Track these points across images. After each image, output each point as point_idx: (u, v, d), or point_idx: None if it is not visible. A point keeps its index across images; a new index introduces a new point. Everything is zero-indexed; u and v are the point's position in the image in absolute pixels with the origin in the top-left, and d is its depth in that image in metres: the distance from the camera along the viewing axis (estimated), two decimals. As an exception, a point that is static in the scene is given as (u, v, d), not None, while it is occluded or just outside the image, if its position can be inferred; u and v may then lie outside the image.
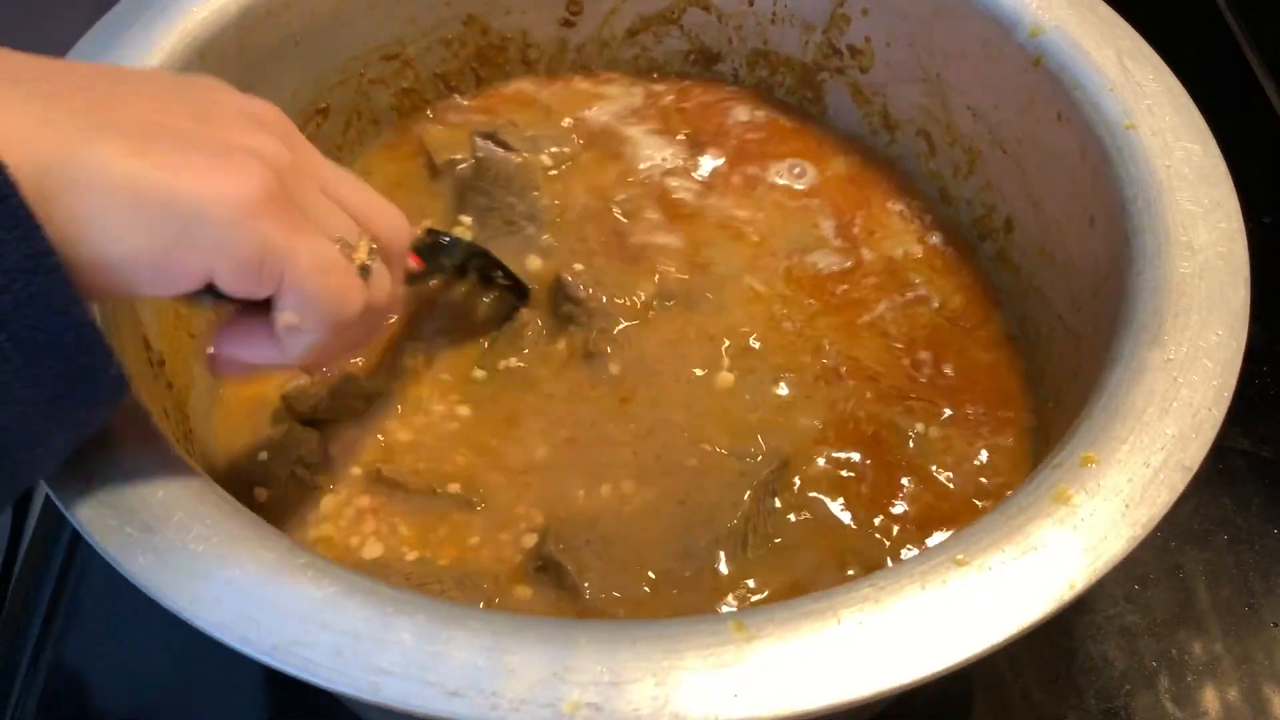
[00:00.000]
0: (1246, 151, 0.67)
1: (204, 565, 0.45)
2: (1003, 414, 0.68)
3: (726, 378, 0.68)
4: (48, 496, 0.47)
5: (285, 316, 0.47)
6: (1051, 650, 0.71)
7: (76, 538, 0.72)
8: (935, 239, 0.77)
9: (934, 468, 0.66)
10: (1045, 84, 0.67)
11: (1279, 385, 0.85)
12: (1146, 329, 0.54)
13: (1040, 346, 0.70)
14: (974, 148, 0.75)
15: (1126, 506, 0.48)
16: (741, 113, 0.85)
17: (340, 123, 0.80)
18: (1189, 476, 0.49)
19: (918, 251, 0.76)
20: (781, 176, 0.80)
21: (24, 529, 0.75)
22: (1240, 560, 0.75)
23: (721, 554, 0.61)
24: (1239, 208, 0.59)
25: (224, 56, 0.68)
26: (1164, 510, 0.48)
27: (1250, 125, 0.99)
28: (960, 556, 0.46)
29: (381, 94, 0.81)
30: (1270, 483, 0.79)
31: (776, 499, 0.64)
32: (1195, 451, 0.50)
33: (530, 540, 0.62)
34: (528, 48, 0.85)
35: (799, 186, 0.80)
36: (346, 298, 0.48)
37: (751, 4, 0.82)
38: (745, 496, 0.62)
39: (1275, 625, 0.73)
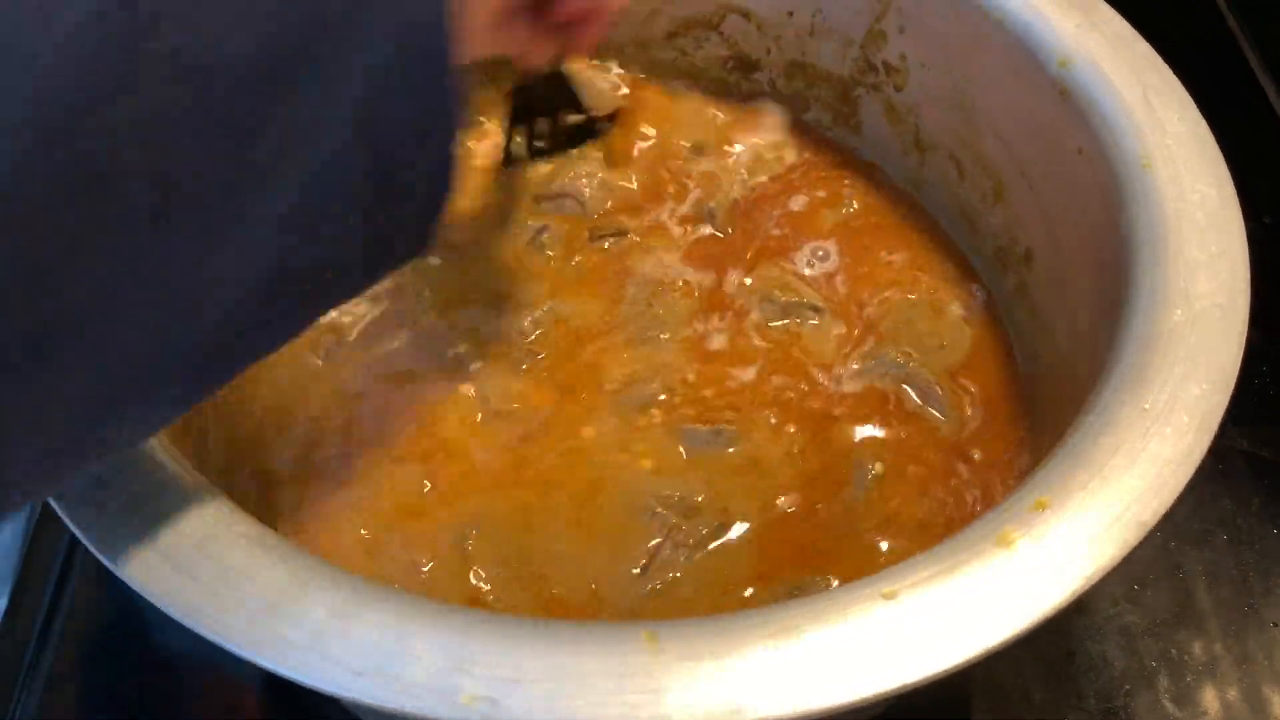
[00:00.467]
0: (1247, 152, 0.63)
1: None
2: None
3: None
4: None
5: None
6: (1051, 650, 0.68)
7: (71, 550, 0.71)
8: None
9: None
10: (1070, 116, 0.62)
11: (1279, 385, 0.80)
12: (1127, 376, 0.50)
13: (1044, 386, 0.66)
14: (1001, 177, 0.70)
15: (1067, 560, 0.44)
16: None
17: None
18: (1144, 532, 0.45)
19: None
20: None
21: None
22: (1240, 560, 0.72)
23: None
24: (1246, 256, 0.54)
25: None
26: (1109, 566, 0.44)
27: (1250, 125, 0.93)
28: (888, 590, 0.43)
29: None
30: (1270, 483, 0.75)
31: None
32: (1155, 508, 0.46)
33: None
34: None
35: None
36: None
37: (791, 15, 0.78)
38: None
39: (1275, 625, 0.69)
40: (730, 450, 0.65)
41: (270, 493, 0.63)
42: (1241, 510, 0.74)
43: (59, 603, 0.69)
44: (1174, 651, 0.68)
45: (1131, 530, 0.45)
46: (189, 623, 0.41)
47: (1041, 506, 0.46)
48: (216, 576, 0.43)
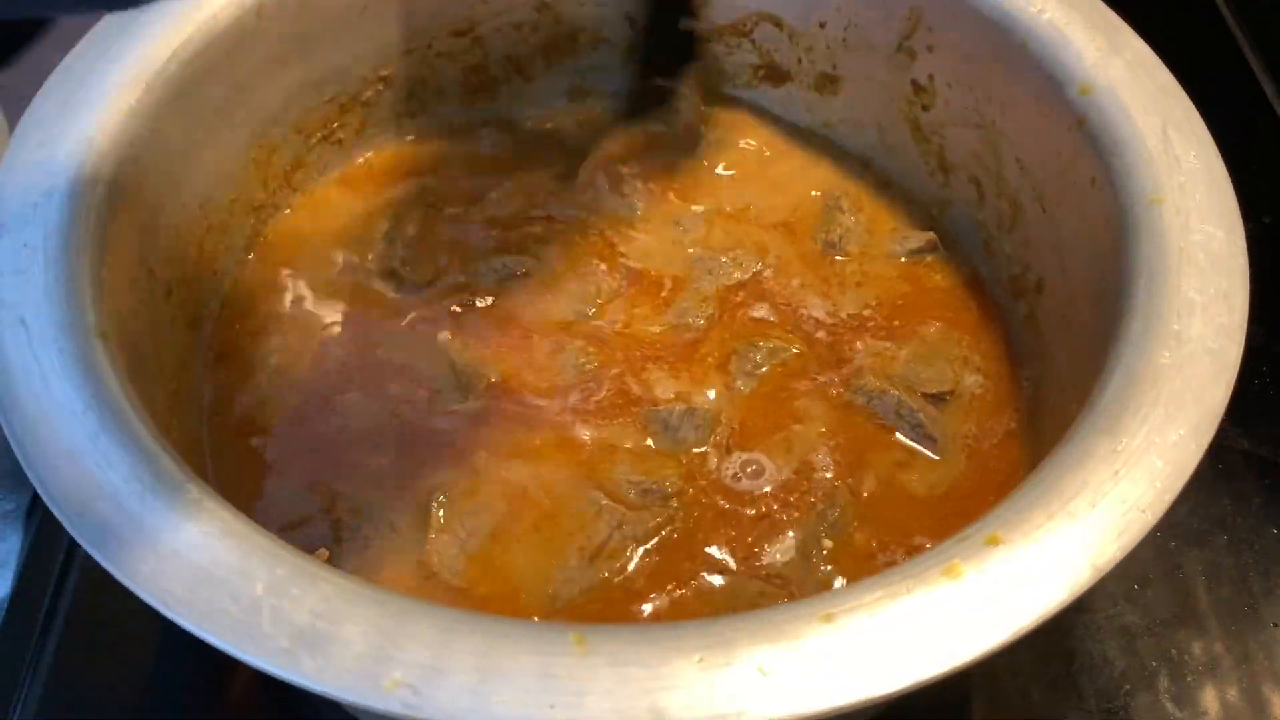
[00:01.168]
0: (1247, 152, 0.58)
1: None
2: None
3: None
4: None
5: None
6: (1051, 650, 0.64)
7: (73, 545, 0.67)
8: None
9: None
10: (1086, 145, 0.56)
11: (1279, 385, 0.74)
12: (1106, 414, 0.45)
13: (1044, 415, 0.60)
14: (1018, 201, 0.63)
15: (1013, 598, 0.39)
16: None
17: (402, 93, 0.72)
18: (1099, 576, 0.40)
19: None
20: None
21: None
22: (1240, 560, 0.67)
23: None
24: (1246, 301, 0.49)
25: (282, 10, 0.62)
26: (1056, 608, 0.39)
27: (1250, 125, 0.86)
28: (827, 612, 0.39)
29: (449, 68, 0.73)
30: (1270, 483, 0.70)
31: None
32: (1112, 555, 0.41)
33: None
34: (599, 41, 0.75)
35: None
36: None
37: (823, 26, 0.71)
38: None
39: (1275, 625, 0.65)
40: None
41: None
42: (1241, 510, 0.69)
43: (59, 600, 0.66)
44: (1174, 651, 0.64)
45: (1084, 574, 0.40)
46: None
47: (994, 542, 0.41)
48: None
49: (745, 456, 0.59)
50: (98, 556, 0.40)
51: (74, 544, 0.66)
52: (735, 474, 0.58)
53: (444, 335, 0.62)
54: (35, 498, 0.71)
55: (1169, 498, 0.42)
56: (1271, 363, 0.75)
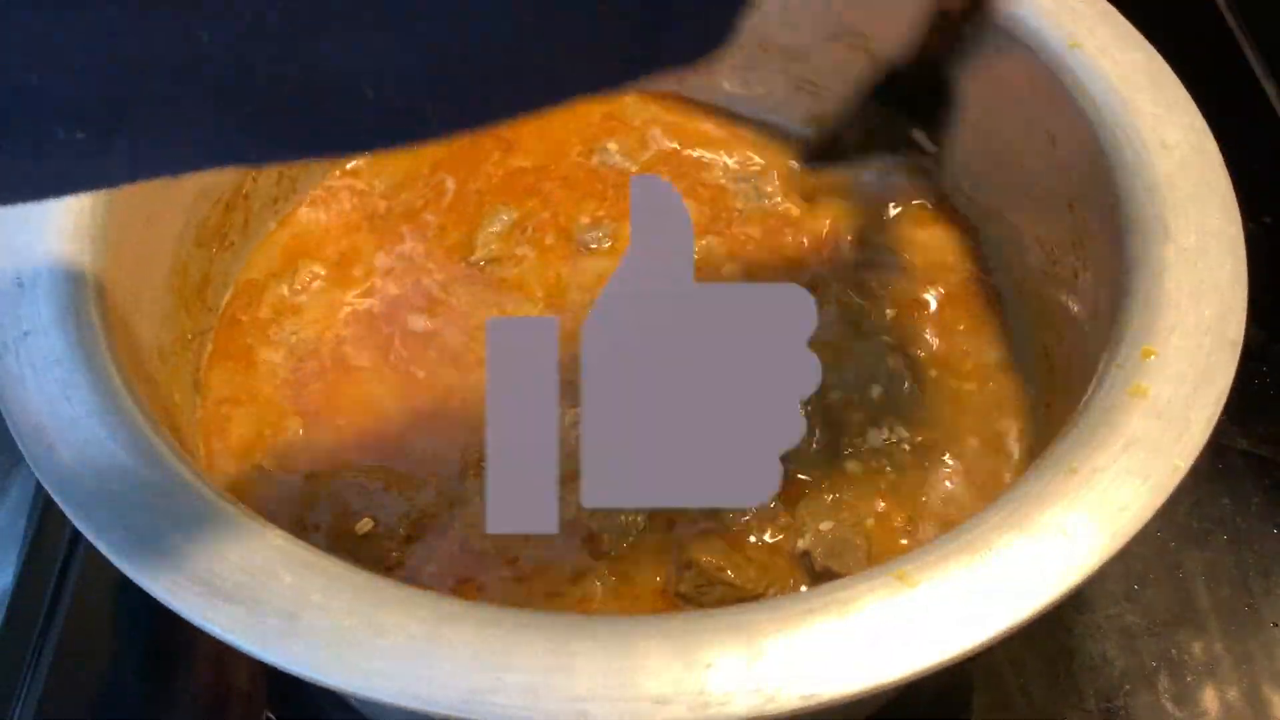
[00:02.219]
0: (1246, 152, 0.58)
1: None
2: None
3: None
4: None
5: None
6: (1051, 649, 0.63)
7: (76, 536, 0.67)
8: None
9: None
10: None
11: (1279, 385, 0.74)
12: (1153, 226, 0.48)
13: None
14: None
15: (1194, 388, 0.42)
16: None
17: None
18: (1236, 351, 0.44)
19: None
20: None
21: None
22: (1240, 560, 0.67)
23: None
24: (1195, 106, 0.53)
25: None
26: (1224, 395, 0.42)
27: (1250, 125, 0.87)
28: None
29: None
30: (1270, 482, 0.70)
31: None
32: (1236, 326, 0.44)
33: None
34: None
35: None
36: None
37: None
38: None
39: (1275, 625, 0.65)
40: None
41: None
42: (1241, 510, 0.69)
43: (60, 598, 0.66)
44: (1174, 651, 0.64)
45: (1225, 351, 0.42)
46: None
47: (1150, 354, 0.44)
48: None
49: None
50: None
51: (75, 542, 0.67)
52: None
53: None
54: (37, 491, 0.70)
55: (1243, 276, 0.46)
56: (1271, 363, 0.75)
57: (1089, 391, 0.46)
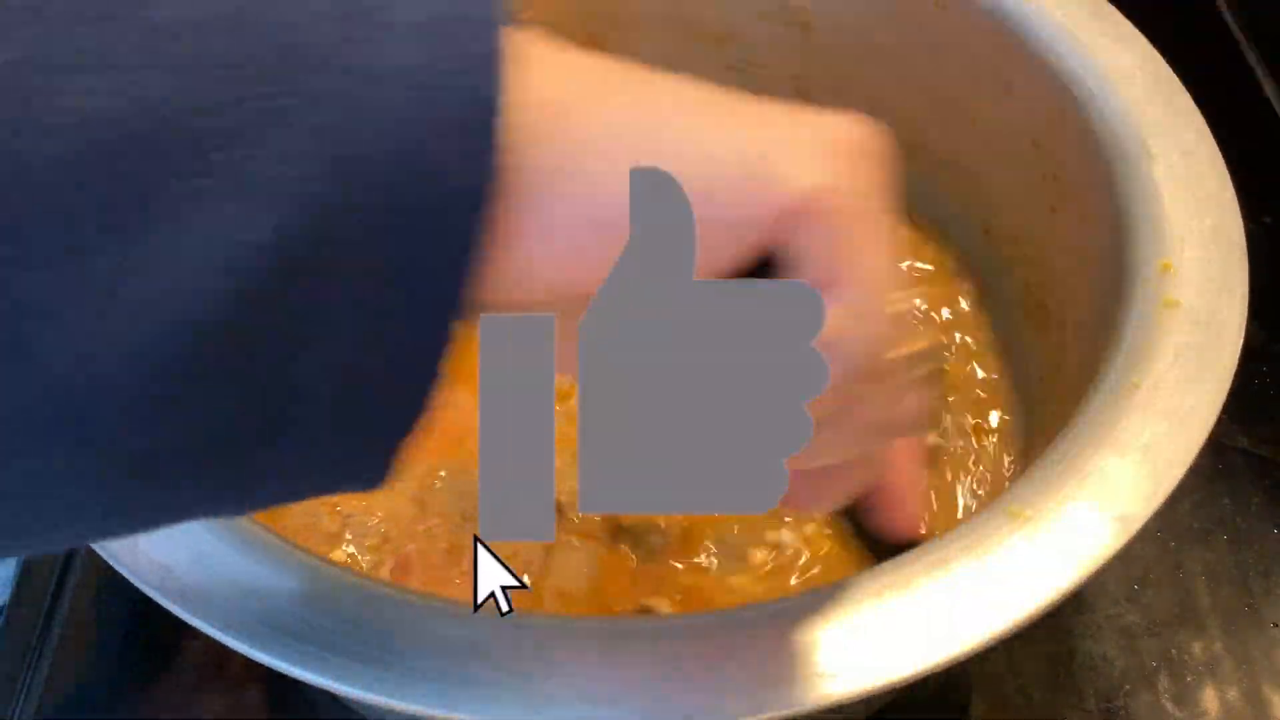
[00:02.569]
0: (1246, 151, 0.58)
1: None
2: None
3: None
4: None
5: None
6: (1051, 649, 0.63)
7: None
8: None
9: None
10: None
11: (1279, 385, 0.74)
12: (1135, 149, 0.49)
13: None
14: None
15: (1218, 294, 0.44)
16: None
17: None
18: (1245, 255, 0.45)
19: None
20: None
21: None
22: (1240, 560, 0.66)
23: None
24: (1142, 35, 0.54)
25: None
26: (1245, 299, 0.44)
27: (1250, 125, 0.86)
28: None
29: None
30: (1270, 482, 0.70)
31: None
32: (1237, 231, 0.47)
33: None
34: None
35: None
36: None
37: None
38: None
39: (1275, 625, 0.64)
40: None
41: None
42: (1241, 510, 0.69)
43: (59, 600, 0.65)
44: (1174, 651, 0.63)
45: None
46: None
47: (1168, 268, 0.46)
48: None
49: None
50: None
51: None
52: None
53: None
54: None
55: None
56: (1271, 363, 0.75)
57: (1123, 308, 0.46)
